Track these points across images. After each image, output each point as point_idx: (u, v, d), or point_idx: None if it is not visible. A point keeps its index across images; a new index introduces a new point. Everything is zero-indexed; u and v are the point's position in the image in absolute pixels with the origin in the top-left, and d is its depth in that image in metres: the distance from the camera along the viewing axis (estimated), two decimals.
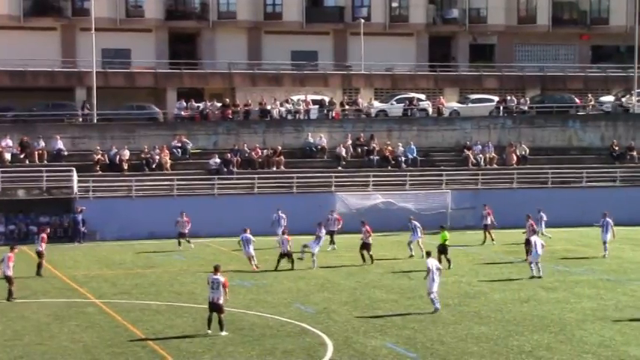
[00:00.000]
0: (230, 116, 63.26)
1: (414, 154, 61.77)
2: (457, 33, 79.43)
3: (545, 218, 50.89)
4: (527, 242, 42.12)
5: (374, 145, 61.82)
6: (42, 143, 57.07)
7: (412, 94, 68.07)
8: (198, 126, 62.15)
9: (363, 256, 42.92)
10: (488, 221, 50.70)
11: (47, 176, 53.99)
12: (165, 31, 73.16)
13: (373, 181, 58.48)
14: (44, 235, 40.73)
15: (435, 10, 79.28)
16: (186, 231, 48.35)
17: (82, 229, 52.09)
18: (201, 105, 63.96)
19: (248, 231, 41.73)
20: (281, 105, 64.72)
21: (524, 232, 43.99)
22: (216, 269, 28.16)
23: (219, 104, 64.08)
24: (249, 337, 27.70)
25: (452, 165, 61.83)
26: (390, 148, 61.57)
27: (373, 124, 64.53)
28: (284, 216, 48.98)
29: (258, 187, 56.67)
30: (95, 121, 61.49)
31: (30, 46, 67.24)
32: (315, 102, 65.32)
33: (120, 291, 35.72)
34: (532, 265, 38.52)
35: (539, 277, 37.81)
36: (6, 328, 28.91)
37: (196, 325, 29.45)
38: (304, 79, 70.47)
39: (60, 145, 57.37)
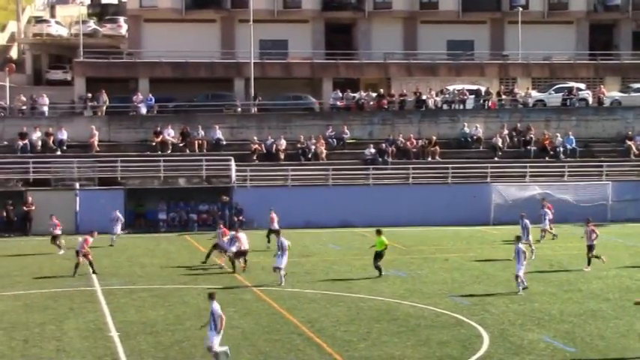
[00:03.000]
0: (385, 106, 63.31)
1: (573, 145, 60.45)
2: (619, 20, 77.01)
3: (550, 215, 47.31)
4: (590, 248, 38.17)
5: (531, 135, 60.80)
6: (202, 133, 58.46)
7: (571, 84, 66.57)
8: (354, 116, 62.43)
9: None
10: (550, 216, 48.42)
11: (207, 165, 55.27)
12: (322, 21, 73.61)
13: (530, 171, 57.53)
14: (89, 238, 37.87)
15: None
16: (59, 232, 45.20)
17: (241, 217, 53.09)
18: (356, 95, 64.22)
19: None
20: (437, 95, 64.36)
21: (582, 237, 39.79)
22: None
23: (374, 94, 64.20)
24: (403, 327, 27.70)
25: (612, 156, 60.26)
26: (548, 138, 60.45)
27: (530, 114, 63.48)
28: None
29: (413, 178, 56.54)
30: (253, 111, 62.58)
31: (191, 38, 68.80)
32: (471, 92, 64.65)
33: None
34: (518, 279, 33.21)
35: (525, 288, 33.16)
36: (168, 313, 29.77)
37: (351, 314, 29.62)
38: (460, 69, 69.77)
39: (219, 134, 58.64)
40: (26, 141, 56.26)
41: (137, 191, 54.27)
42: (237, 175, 55.29)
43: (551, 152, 59.99)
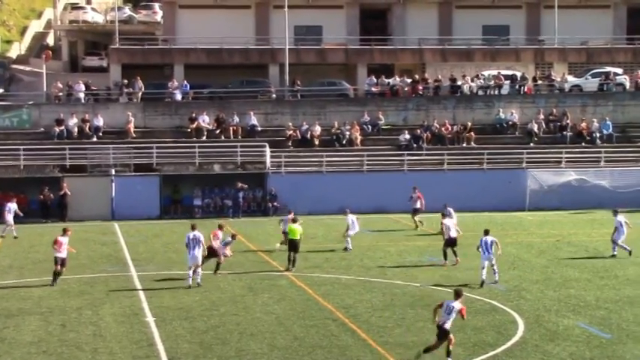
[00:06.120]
0: (420, 92, 63.09)
1: (610, 130, 60.03)
2: None
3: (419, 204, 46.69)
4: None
5: (567, 120, 60.41)
6: (236, 119, 58.60)
7: (608, 69, 66.01)
8: (388, 102, 62.32)
9: None
10: (418, 205, 48.24)
11: (241, 151, 55.42)
12: (356, 7, 73.35)
13: (566, 157, 57.20)
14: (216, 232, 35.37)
15: None
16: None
17: (275, 203, 53.46)
18: (391, 81, 64.07)
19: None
20: (472, 80, 64.06)
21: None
22: None
23: (409, 80, 64.01)
24: None
25: None
26: (584, 123, 60.04)
27: (566, 100, 63.06)
28: None
29: (448, 163, 56.38)
30: (287, 97, 62.62)
31: (226, 25, 68.72)
32: (506, 77, 64.27)
33: (311, 265, 36.31)
34: (484, 271, 32.16)
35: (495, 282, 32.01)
36: (203, 299, 29.93)
37: (386, 300, 29.64)
38: (495, 54, 69.34)
39: (254, 121, 58.76)
40: (62, 127, 56.74)
41: (172, 177, 54.51)
42: (272, 161, 55.42)
43: (588, 138, 59.61)
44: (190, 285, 31.75)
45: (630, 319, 26.69)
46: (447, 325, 22.14)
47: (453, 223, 37.05)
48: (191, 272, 32.10)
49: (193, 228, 33.01)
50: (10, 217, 45.94)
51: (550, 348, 23.61)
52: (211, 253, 33.99)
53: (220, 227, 35.85)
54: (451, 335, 22.23)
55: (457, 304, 22.20)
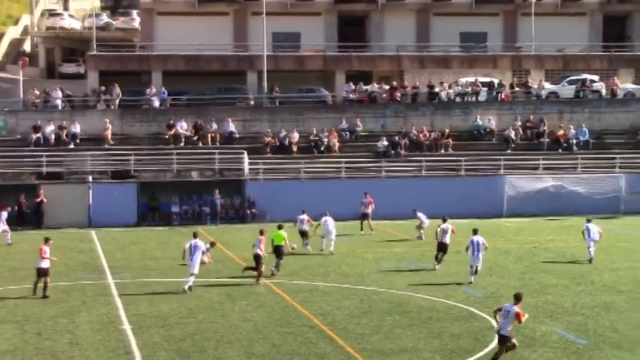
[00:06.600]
0: (398, 99, 63.20)
1: (586, 137, 60.30)
2: (633, 12, 76.62)
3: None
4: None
5: (544, 127, 60.67)
6: (215, 126, 58.53)
7: (585, 76, 66.26)
8: (366, 108, 62.38)
9: None
10: (368, 210, 48.86)
11: (219, 158, 55.33)
12: (335, 14, 73.47)
13: (543, 164, 57.45)
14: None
15: None
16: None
17: (254, 210, 53.43)
18: (369, 87, 64.15)
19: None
20: (449, 87, 64.22)
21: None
22: None
23: (387, 87, 64.12)
24: (416, 320, 27.72)
25: (626, 148, 60.05)
26: (561, 130, 60.32)
27: (543, 106, 63.31)
28: None
29: (426, 170, 56.50)
30: (265, 104, 62.59)
31: (204, 31, 68.71)
32: (484, 84, 64.48)
33: (289, 272, 36.25)
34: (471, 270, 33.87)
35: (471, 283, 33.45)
36: (181, 307, 29.84)
37: (363, 306, 29.65)
38: (473, 61, 69.56)
39: (232, 127, 58.68)
40: (39, 134, 56.47)
41: (150, 184, 54.32)
42: (250, 168, 55.36)
43: (564, 144, 59.86)
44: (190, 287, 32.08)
45: (607, 324, 26.83)
46: (504, 331, 21.96)
47: (450, 229, 36.89)
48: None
49: (195, 236, 33.09)
50: (1, 226, 45.80)
51: (527, 354, 23.68)
52: (257, 259, 34.18)
53: (262, 232, 35.19)
54: (513, 340, 22.26)
55: (514, 308, 22.03)
